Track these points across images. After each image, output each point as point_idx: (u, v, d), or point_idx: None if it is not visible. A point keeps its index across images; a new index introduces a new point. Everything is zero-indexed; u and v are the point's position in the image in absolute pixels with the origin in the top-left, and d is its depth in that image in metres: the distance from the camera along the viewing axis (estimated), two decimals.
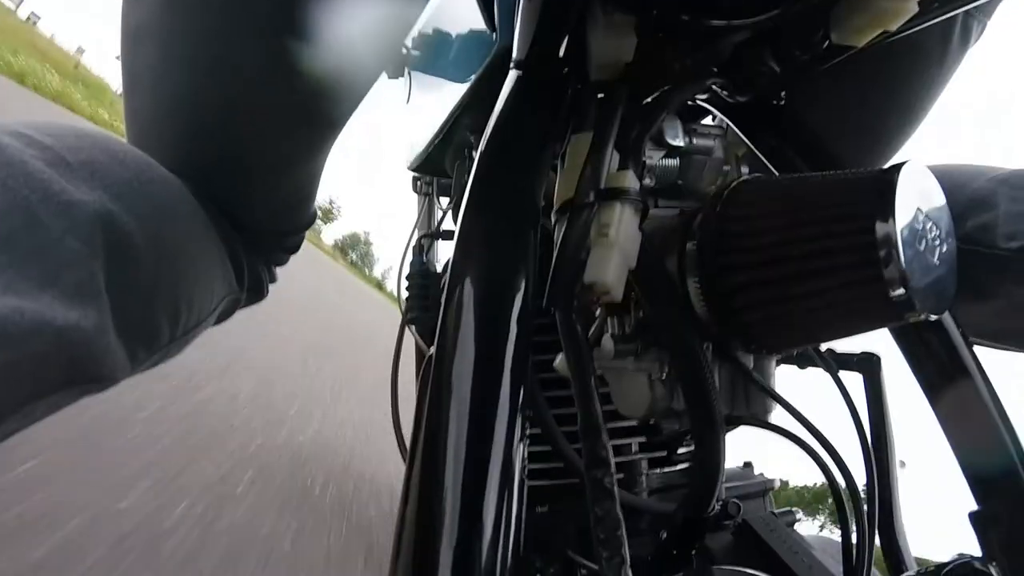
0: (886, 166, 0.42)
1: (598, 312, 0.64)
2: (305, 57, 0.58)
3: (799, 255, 0.44)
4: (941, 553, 0.67)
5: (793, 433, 0.63)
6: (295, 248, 0.92)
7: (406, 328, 1.19)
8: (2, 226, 0.41)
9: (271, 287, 0.94)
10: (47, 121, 0.54)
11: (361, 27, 0.60)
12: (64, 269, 0.45)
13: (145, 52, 0.61)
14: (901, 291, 0.40)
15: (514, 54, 0.55)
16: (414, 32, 1.15)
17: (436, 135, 1.04)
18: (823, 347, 0.62)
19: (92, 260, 0.48)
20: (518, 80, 0.54)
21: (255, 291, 0.87)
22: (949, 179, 0.47)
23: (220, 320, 0.81)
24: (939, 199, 0.43)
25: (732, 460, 0.76)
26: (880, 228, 0.40)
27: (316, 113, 0.68)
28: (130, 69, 0.65)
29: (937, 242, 0.42)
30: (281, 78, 0.60)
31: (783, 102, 0.60)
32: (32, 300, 0.41)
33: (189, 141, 0.65)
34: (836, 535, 0.66)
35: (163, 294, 0.60)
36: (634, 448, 0.83)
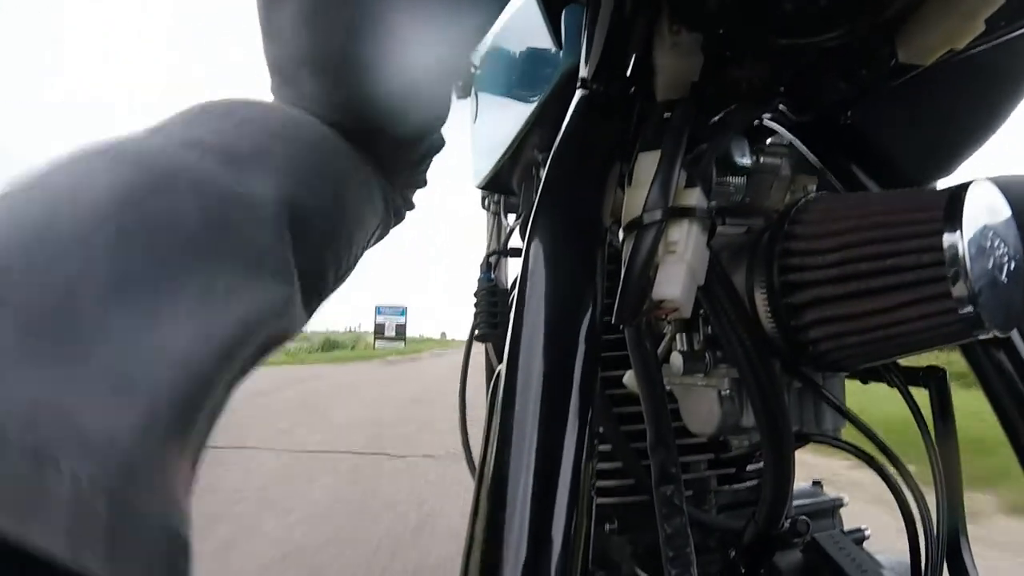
0: (954, 183, 0.42)
1: (667, 329, 0.64)
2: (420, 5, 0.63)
3: (866, 273, 0.44)
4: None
5: (863, 450, 0.62)
6: (424, 173, 0.97)
7: (473, 344, 1.20)
8: (209, 237, 0.45)
9: None
10: (202, 107, 0.58)
11: (434, 43, 0.64)
12: (265, 261, 0.50)
13: (280, 7, 0.66)
14: (969, 308, 0.39)
15: (581, 73, 0.55)
16: (480, 52, 1.17)
17: (504, 153, 1.05)
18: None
19: (283, 247, 0.53)
20: (585, 98, 0.54)
21: (398, 216, 0.93)
22: (1016, 188, 0.46)
23: (371, 245, 0.87)
24: (1007, 217, 0.43)
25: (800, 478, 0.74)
26: (948, 245, 0.39)
27: (437, 53, 0.71)
28: (270, 26, 0.69)
29: (1005, 259, 0.41)
30: (401, 25, 0.64)
31: (849, 120, 0.60)
32: (252, 290, 0.47)
33: (327, 88, 0.70)
34: (905, 555, 0.64)
35: (332, 250, 0.67)
36: (703, 465, 0.82)
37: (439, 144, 0.92)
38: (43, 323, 0.33)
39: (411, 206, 0.98)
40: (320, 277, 0.66)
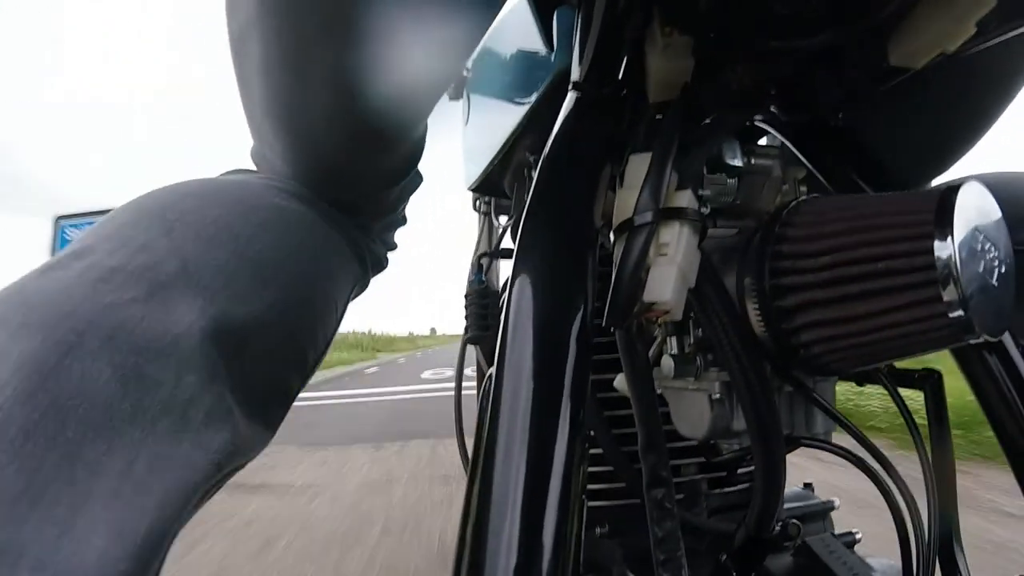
0: (944, 184, 0.42)
1: (658, 331, 0.63)
2: (373, 70, 0.60)
3: (857, 276, 0.44)
4: None
5: (854, 454, 0.62)
6: (402, 212, 0.95)
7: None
8: (126, 402, 0.42)
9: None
10: (133, 212, 0.56)
11: (428, 45, 0.62)
12: (191, 410, 0.47)
13: (250, 53, 0.63)
14: (960, 312, 0.39)
15: (572, 75, 0.55)
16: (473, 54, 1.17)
17: (495, 155, 1.05)
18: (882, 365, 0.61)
19: (213, 382, 0.49)
20: (576, 101, 0.54)
21: (377, 266, 0.90)
22: (1006, 187, 0.46)
23: (352, 300, 0.84)
24: (998, 219, 0.43)
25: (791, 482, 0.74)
26: (939, 249, 0.39)
27: (409, 98, 0.68)
28: (240, 70, 0.67)
29: (996, 263, 0.41)
30: (370, 70, 0.61)
31: (840, 122, 0.60)
32: (179, 455, 0.44)
33: (296, 138, 0.67)
34: (896, 558, 0.64)
35: (288, 351, 0.63)
36: (694, 468, 0.82)
37: (415, 183, 0.90)
38: None
39: (393, 246, 0.96)
40: (281, 385, 0.63)
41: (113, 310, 0.46)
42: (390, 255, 0.95)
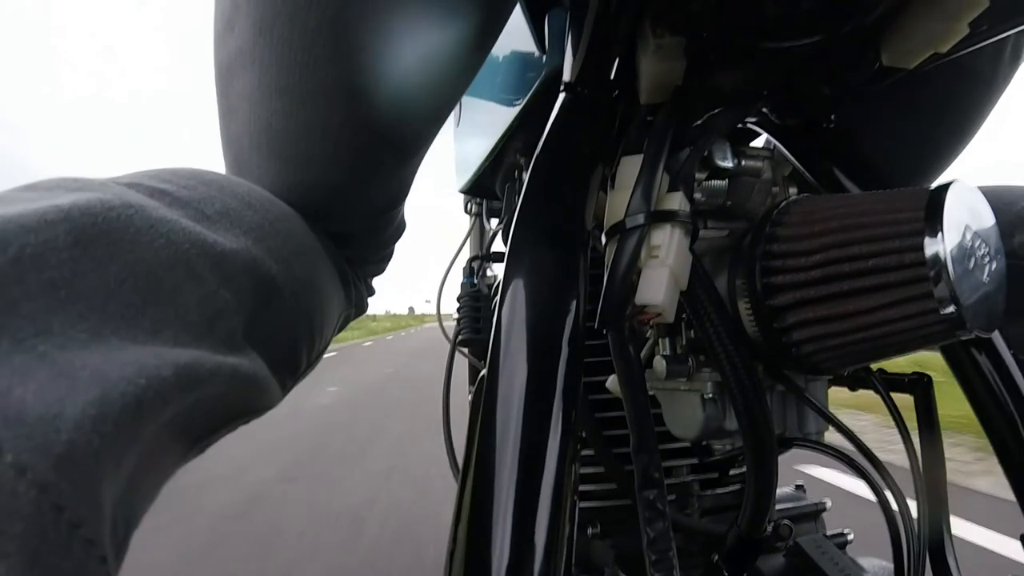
0: (934, 185, 0.42)
1: (650, 333, 0.64)
2: (383, 84, 0.60)
3: (848, 274, 0.44)
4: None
5: (846, 454, 0.62)
6: (387, 259, 0.95)
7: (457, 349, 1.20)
8: (168, 279, 0.42)
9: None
10: (169, 169, 0.56)
11: (426, 70, 0.62)
12: (217, 320, 0.46)
13: (239, 84, 0.63)
14: (951, 309, 0.39)
15: (564, 76, 0.55)
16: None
17: (487, 157, 1.04)
18: (874, 368, 0.61)
19: (241, 310, 0.50)
20: (568, 102, 0.54)
21: (359, 306, 0.90)
22: (996, 198, 0.46)
23: (336, 333, 0.84)
24: (988, 217, 0.43)
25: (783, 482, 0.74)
26: (929, 246, 0.39)
27: (399, 135, 0.69)
28: (225, 101, 0.67)
29: (986, 260, 0.42)
30: (363, 104, 0.62)
31: (832, 123, 0.60)
32: (198, 349, 0.43)
33: (286, 165, 0.67)
34: (888, 559, 0.65)
35: (301, 327, 0.63)
36: (686, 469, 0.82)
37: (401, 228, 0.91)
38: None
39: (372, 292, 0.97)
40: (293, 354, 0.63)
41: (164, 209, 0.46)
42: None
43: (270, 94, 0.62)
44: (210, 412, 0.45)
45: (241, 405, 0.50)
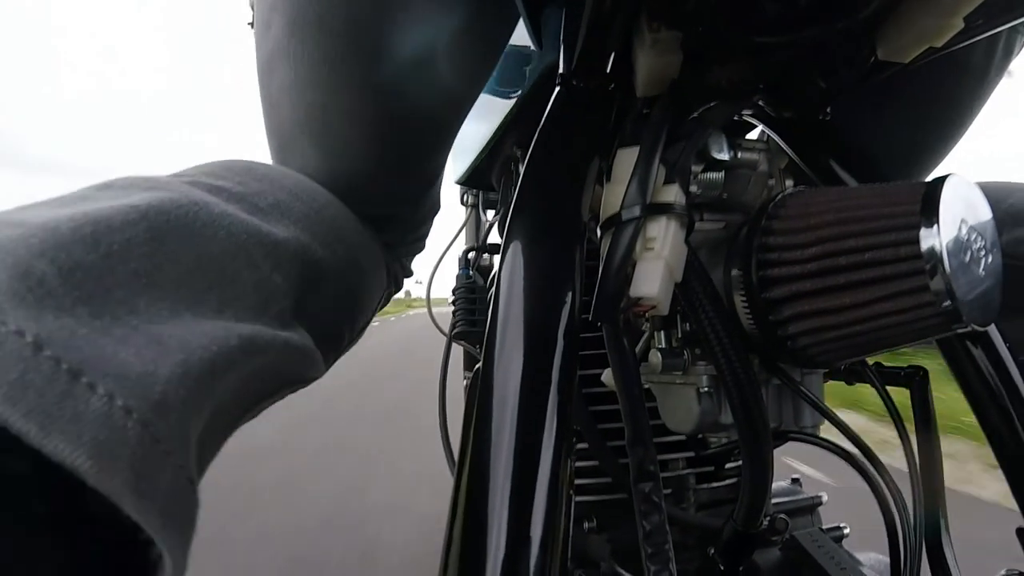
0: (930, 178, 0.42)
1: (645, 326, 0.63)
2: (406, 79, 0.65)
3: (844, 267, 0.44)
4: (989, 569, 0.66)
5: (842, 447, 0.62)
6: (424, 237, 1.00)
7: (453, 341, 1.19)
8: (229, 266, 0.48)
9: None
10: (222, 164, 0.61)
11: (451, 57, 0.66)
12: (271, 300, 0.52)
13: (279, 77, 0.68)
14: (948, 302, 0.39)
15: (560, 69, 0.55)
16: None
17: (483, 149, 1.04)
18: (870, 362, 0.61)
19: (291, 292, 0.55)
20: (564, 95, 0.54)
21: (397, 285, 0.96)
22: (987, 194, 0.46)
23: (377, 312, 0.90)
24: (984, 211, 0.43)
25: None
26: (925, 239, 0.39)
27: (426, 125, 0.75)
28: (267, 93, 0.73)
29: (982, 253, 0.41)
30: (390, 97, 0.67)
31: (828, 116, 0.60)
32: (255, 324, 0.48)
33: (325, 153, 0.72)
34: (884, 553, 0.65)
35: (344, 306, 0.69)
36: (682, 463, 0.82)
37: (435, 209, 0.96)
38: (86, 282, 0.36)
39: (409, 273, 1.01)
40: (336, 331, 0.69)
41: (223, 204, 0.51)
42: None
43: (305, 88, 0.67)
44: (265, 378, 0.51)
45: (291, 373, 0.56)
